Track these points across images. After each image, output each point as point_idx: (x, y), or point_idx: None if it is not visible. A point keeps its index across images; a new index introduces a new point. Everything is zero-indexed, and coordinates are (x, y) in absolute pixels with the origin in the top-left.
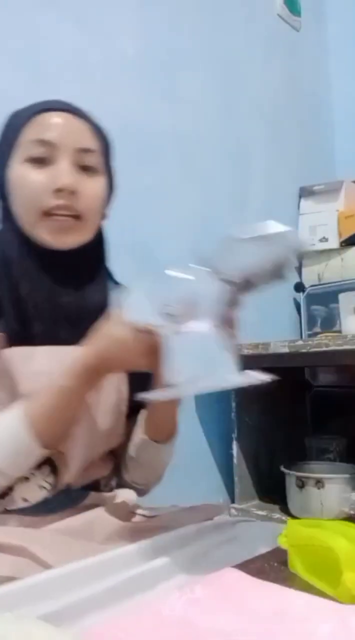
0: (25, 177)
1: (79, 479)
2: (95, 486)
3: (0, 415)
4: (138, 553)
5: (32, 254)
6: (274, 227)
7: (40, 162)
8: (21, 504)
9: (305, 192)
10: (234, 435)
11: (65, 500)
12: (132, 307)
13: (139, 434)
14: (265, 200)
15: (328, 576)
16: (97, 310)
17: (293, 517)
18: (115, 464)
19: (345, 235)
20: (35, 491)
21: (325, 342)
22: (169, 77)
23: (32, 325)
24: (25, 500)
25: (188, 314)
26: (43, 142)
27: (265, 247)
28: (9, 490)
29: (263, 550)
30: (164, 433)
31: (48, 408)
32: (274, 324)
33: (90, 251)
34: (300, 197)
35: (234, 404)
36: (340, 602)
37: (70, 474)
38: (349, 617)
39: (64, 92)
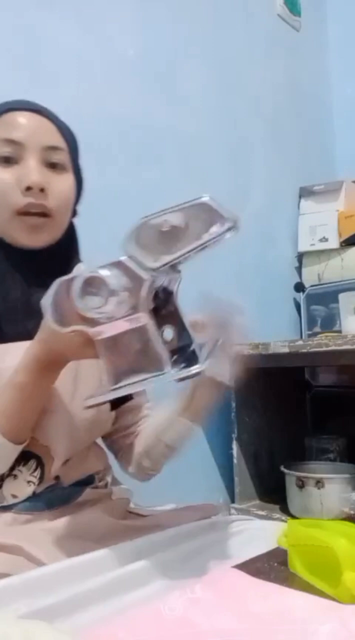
0: None
1: (71, 474)
2: (89, 481)
3: None
4: (133, 551)
5: (2, 254)
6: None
7: (7, 161)
8: (11, 500)
9: (305, 192)
10: (234, 435)
11: (59, 497)
12: (52, 309)
13: (162, 420)
14: (265, 200)
15: (328, 576)
16: None
17: (293, 517)
18: (111, 457)
19: (345, 235)
20: (24, 487)
21: (325, 342)
22: (169, 77)
23: (5, 324)
24: (14, 496)
25: (113, 310)
26: (10, 142)
27: (184, 224)
28: None
29: (260, 547)
30: (202, 415)
31: (8, 405)
32: (274, 324)
33: (62, 249)
34: (300, 197)
35: (233, 404)
36: (340, 602)
37: (56, 467)
38: (349, 617)
39: (64, 92)
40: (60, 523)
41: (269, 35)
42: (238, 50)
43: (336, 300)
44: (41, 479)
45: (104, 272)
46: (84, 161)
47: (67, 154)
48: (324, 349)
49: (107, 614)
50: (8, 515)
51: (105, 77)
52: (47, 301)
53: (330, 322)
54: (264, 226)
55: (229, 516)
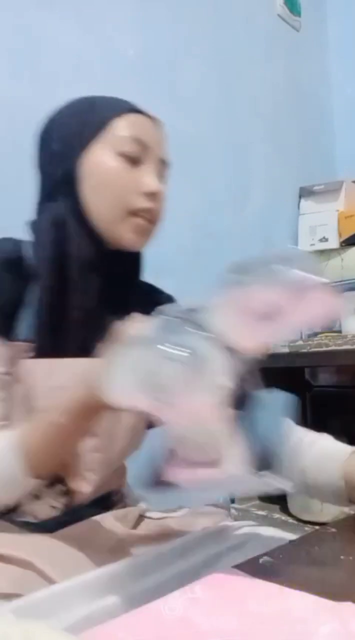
0: (117, 173)
1: (92, 495)
2: (107, 500)
3: None
4: (140, 566)
5: (95, 253)
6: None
7: (131, 160)
8: (29, 519)
9: (305, 192)
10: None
11: (74, 518)
12: (113, 382)
13: None
14: (265, 201)
15: None
16: (115, 320)
17: (293, 517)
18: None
19: (345, 235)
20: (46, 510)
21: (325, 342)
22: (169, 77)
23: (64, 336)
24: (34, 517)
25: (183, 388)
26: (140, 142)
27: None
28: (18, 504)
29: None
30: None
31: (42, 442)
32: None
33: (135, 258)
34: (300, 197)
35: None
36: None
37: (85, 496)
38: (349, 617)
39: (64, 92)
40: (72, 534)
41: (269, 35)
42: (238, 50)
43: None
44: (67, 506)
45: (182, 354)
46: None
47: (168, 169)
48: (324, 349)
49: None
50: (16, 528)
51: (105, 77)
52: (108, 365)
53: (330, 322)
54: (264, 226)
55: (236, 522)
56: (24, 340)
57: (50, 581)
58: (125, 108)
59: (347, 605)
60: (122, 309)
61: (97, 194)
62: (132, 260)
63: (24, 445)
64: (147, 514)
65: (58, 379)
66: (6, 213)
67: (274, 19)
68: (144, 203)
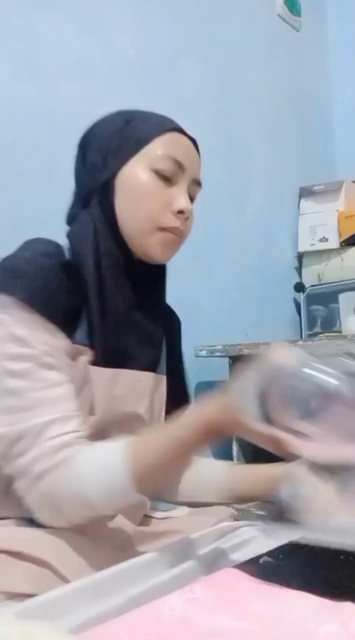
0: (150, 188)
1: None
2: None
3: (105, 449)
4: (141, 566)
5: (125, 263)
6: None
7: (165, 178)
8: None
9: (305, 192)
10: (234, 435)
11: None
12: (255, 401)
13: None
14: (265, 201)
15: None
16: (161, 334)
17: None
18: None
19: (346, 235)
20: None
21: (325, 343)
22: (169, 76)
23: (114, 343)
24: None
25: (333, 429)
26: (175, 162)
27: None
28: None
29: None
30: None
31: (155, 457)
32: (274, 324)
33: (161, 271)
34: (300, 197)
35: None
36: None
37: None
38: (349, 617)
39: (64, 92)
40: (83, 531)
41: (269, 35)
42: (238, 50)
43: (336, 301)
44: None
45: (333, 382)
46: None
47: (199, 185)
48: None
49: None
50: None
51: (106, 77)
52: (249, 388)
53: (330, 323)
54: (264, 226)
55: (236, 522)
56: (80, 344)
57: (64, 580)
58: (165, 127)
59: (347, 605)
60: (155, 317)
61: (129, 206)
62: (158, 271)
63: (136, 458)
64: (151, 514)
65: (121, 388)
66: (6, 212)
67: (274, 19)
68: (173, 221)
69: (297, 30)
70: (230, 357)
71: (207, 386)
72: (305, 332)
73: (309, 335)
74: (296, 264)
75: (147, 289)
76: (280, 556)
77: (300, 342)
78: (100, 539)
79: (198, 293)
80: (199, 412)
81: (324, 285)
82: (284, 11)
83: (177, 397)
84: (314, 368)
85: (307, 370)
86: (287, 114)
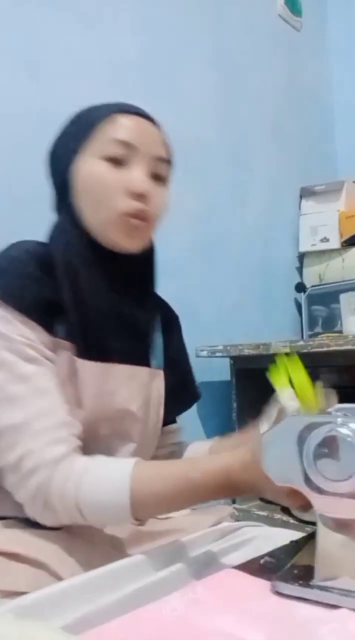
0: (101, 176)
1: None
2: None
3: (110, 465)
4: (144, 564)
5: (96, 257)
6: None
7: (117, 162)
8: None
9: (306, 192)
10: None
11: None
12: (272, 458)
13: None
14: (266, 201)
15: None
16: (148, 325)
17: (294, 517)
18: None
19: (347, 236)
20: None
21: (326, 343)
22: (170, 77)
23: (95, 336)
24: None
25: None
26: (124, 143)
27: None
28: None
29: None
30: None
31: (160, 491)
32: (275, 325)
33: (146, 260)
34: (301, 197)
35: (235, 405)
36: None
37: None
38: (349, 617)
39: (65, 92)
40: (81, 532)
41: (270, 36)
42: (239, 51)
43: (337, 301)
44: None
45: (346, 431)
46: None
47: (169, 167)
48: (325, 349)
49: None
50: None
51: (107, 78)
52: (270, 445)
53: (331, 323)
54: (265, 226)
55: (237, 522)
56: (61, 338)
57: (61, 580)
58: (112, 110)
59: (347, 607)
60: (141, 308)
61: (88, 200)
62: (141, 261)
63: (140, 485)
64: None
65: (114, 383)
66: (6, 212)
67: (274, 19)
68: (130, 205)
69: (298, 31)
70: (231, 358)
71: (207, 386)
72: (306, 332)
73: (310, 336)
74: (297, 264)
75: (130, 281)
76: (281, 556)
77: (301, 342)
78: (98, 539)
79: (199, 293)
80: (221, 462)
81: (325, 286)
82: (285, 11)
83: (183, 394)
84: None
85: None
86: (288, 114)
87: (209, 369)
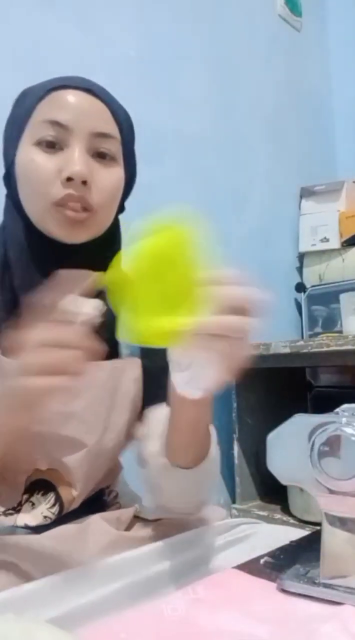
0: (33, 163)
1: (83, 496)
2: (98, 500)
3: None
4: (138, 559)
5: (38, 250)
6: None
7: (51, 146)
8: (20, 525)
9: (306, 192)
10: (235, 436)
11: (64, 520)
12: (278, 458)
13: (153, 453)
14: (266, 201)
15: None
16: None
17: (294, 517)
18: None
19: (347, 236)
20: (39, 519)
21: (326, 343)
22: (170, 77)
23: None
24: (26, 525)
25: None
26: (55, 124)
27: None
28: (14, 512)
29: (264, 550)
30: (188, 453)
31: None
32: (275, 325)
33: (102, 246)
34: (301, 197)
35: (234, 404)
36: (343, 604)
37: (76, 504)
38: (349, 617)
39: None
40: (57, 537)
41: (270, 36)
42: (239, 51)
43: (337, 301)
44: (59, 514)
45: (351, 431)
46: None
47: (118, 143)
48: (325, 349)
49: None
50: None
51: (106, 78)
52: (275, 444)
53: (331, 323)
54: (265, 226)
55: (235, 519)
56: None
57: (33, 579)
58: (47, 88)
59: (347, 606)
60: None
61: (25, 190)
62: (93, 251)
63: None
64: (142, 515)
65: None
66: None
67: (274, 19)
68: (64, 191)
69: (298, 31)
70: None
71: None
72: (306, 332)
73: (310, 336)
74: (297, 264)
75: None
76: (281, 556)
77: (301, 342)
78: (75, 544)
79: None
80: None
81: (325, 286)
82: (285, 11)
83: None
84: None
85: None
86: (287, 114)
87: None
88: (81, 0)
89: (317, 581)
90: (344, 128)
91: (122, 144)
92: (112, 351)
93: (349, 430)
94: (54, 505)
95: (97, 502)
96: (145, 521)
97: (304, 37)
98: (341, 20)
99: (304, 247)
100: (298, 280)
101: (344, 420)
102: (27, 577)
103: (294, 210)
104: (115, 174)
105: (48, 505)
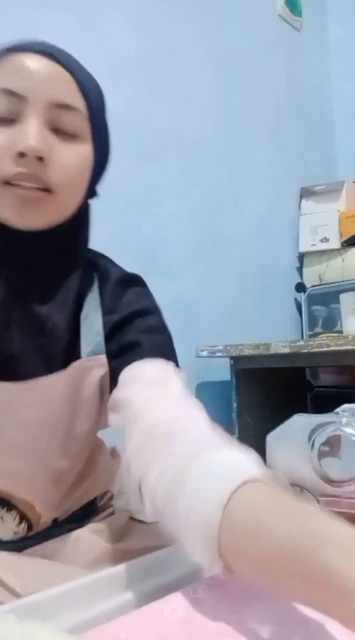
0: None
1: (68, 507)
2: (90, 508)
3: None
4: (141, 568)
5: None
6: None
7: (5, 120)
8: None
9: (306, 193)
10: (235, 436)
11: (45, 537)
12: (278, 458)
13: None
14: (266, 201)
15: None
16: (57, 330)
17: None
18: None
19: (346, 236)
20: (9, 534)
21: (326, 343)
22: (170, 77)
23: None
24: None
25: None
26: (8, 93)
27: None
28: None
29: None
30: None
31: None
32: (275, 325)
33: (65, 235)
34: (301, 197)
35: (234, 405)
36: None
37: (46, 520)
38: None
39: None
40: (41, 553)
41: (270, 36)
42: (239, 51)
43: (337, 301)
44: (29, 529)
45: (351, 431)
46: None
47: (84, 117)
48: (325, 349)
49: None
50: None
51: (106, 78)
52: (276, 445)
53: (331, 323)
54: (265, 226)
55: None
56: None
57: (15, 594)
58: (1, 54)
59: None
60: (54, 296)
61: None
62: (52, 238)
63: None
64: (138, 517)
65: None
66: None
67: (274, 20)
68: (15, 168)
69: (298, 31)
70: (231, 358)
71: (207, 386)
72: (306, 332)
73: (310, 336)
74: (297, 264)
75: (40, 263)
76: None
77: (301, 342)
78: (63, 556)
79: (199, 293)
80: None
81: (325, 286)
82: (285, 11)
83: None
84: None
85: None
86: (288, 114)
87: (209, 369)
88: (81, 0)
89: None
90: (343, 128)
91: (89, 119)
92: (69, 355)
93: (349, 430)
94: (20, 523)
95: (85, 510)
96: (142, 523)
97: (304, 37)
98: (341, 20)
99: (304, 247)
100: (298, 280)
101: (344, 420)
102: (13, 594)
103: (294, 210)
104: (79, 150)
105: (15, 523)
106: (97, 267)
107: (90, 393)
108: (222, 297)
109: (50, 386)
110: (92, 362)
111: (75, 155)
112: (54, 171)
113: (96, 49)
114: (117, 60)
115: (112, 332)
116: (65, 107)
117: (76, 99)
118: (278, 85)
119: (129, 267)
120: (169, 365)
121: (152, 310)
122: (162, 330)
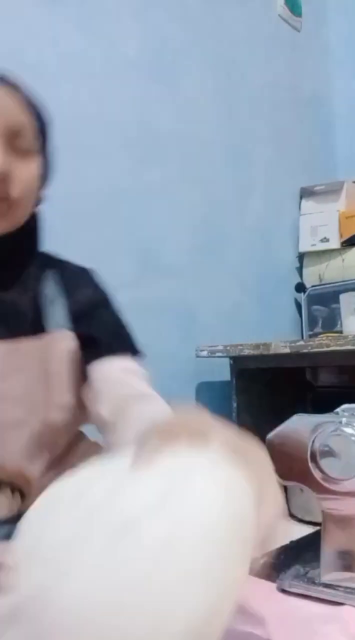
0: None
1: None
2: None
3: None
4: None
5: None
6: None
7: None
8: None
9: (306, 193)
10: None
11: None
12: (277, 458)
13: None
14: (266, 201)
15: None
16: (22, 309)
17: (294, 517)
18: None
19: (346, 236)
20: (4, 510)
21: (326, 343)
22: (170, 77)
23: None
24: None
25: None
26: None
27: None
28: None
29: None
30: None
31: None
32: (275, 325)
33: (19, 240)
34: (301, 197)
35: (234, 405)
36: (343, 604)
37: (39, 483)
38: (350, 618)
39: (65, 93)
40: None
41: (270, 36)
42: (239, 51)
43: (337, 301)
44: (24, 499)
45: (351, 431)
46: (84, 162)
47: (33, 134)
48: (325, 349)
49: None
50: None
51: (106, 78)
52: (275, 444)
53: (331, 323)
54: (265, 226)
55: None
56: None
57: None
58: None
59: (347, 606)
60: (13, 289)
61: None
62: (7, 243)
63: None
64: None
65: None
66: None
67: (274, 20)
68: None
69: (298, 31)
70: (231, 358)
71: (207, 386)
72: (306, 332)
73: (310, 336)
74: (297, 264)
75: (1, 261)
76: (281, 556)
77: (301, 342)
78: None
79: (199, 293)
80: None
81: (325, 286)
82: (285, 11)
83: (112, 344)
84: None
85: None
86: (288, 114)
87: (209, 369)
88: (81, 0)
89: (317, 581)
90: (344, 128)
91: (36, 134)
92: (37, 326)
93: (349, 430)
94: (13, 494)
95: None
96: None
97: (304, 37)
98: (341, 20)
99: (304, 247)
100: (298, 280)
101: (344, 420)
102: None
103: (294, 210)
104: (31, 165)
105: (8, 500)
106: (52, 261)
107: (58, 367)
108: (222, 297)
109: (25, 350)
110: (59, 335)
111: (29, 170)
112: (15, 187)
113: (96, 49)
114: (117, 60)
115: (76, 318)
116: (21, 127)
117: (28, 118)
118: (278, 85)
119: (129, 267)
120: (135, 363)
121: (110, 300)
122: (123, 322)
